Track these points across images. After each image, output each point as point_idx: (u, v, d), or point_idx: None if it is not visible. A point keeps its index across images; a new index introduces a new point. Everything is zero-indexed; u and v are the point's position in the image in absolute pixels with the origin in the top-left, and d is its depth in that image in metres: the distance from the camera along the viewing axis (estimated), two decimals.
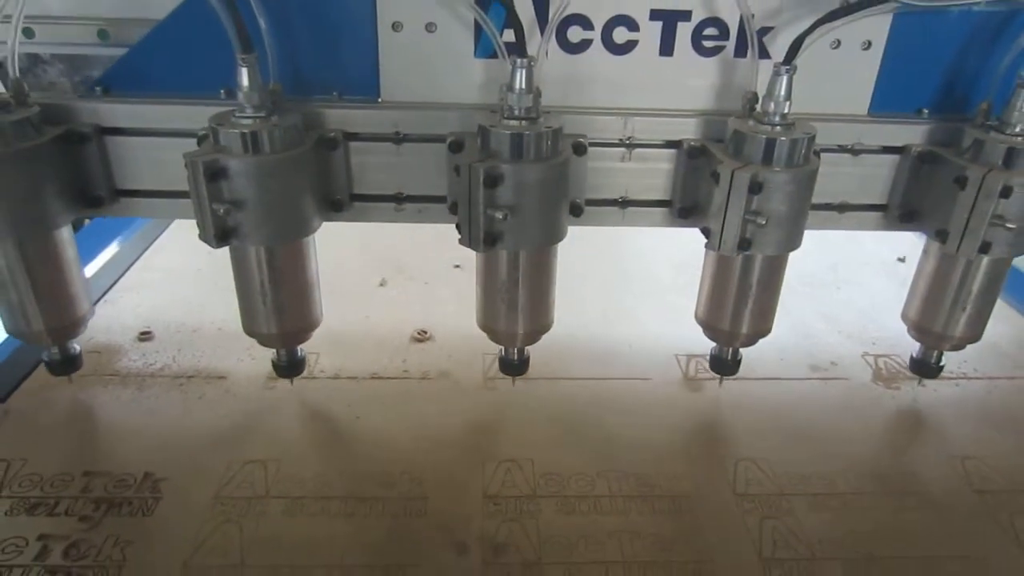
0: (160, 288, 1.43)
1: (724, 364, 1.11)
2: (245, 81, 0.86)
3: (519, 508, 0.96)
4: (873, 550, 0.92)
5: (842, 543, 0.93)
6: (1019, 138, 0.90)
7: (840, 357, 1.28)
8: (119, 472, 0.98)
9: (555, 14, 0.92)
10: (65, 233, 0.96)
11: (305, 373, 1.13)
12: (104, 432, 1.08)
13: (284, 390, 1.15)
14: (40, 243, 0.94)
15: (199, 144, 0.91)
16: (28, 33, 0.93)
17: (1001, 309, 1.42)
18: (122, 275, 1.47)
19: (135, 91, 0.95)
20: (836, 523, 0.95)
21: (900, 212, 1.02)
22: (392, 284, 1.48)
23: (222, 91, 0.94)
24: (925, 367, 1.14)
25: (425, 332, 1.30)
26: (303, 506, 0.95)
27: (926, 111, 1.00)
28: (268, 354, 1.09)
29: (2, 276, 0.94)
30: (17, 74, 0.88)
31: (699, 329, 1.09)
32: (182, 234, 1.61)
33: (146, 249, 1.57)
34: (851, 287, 1.50)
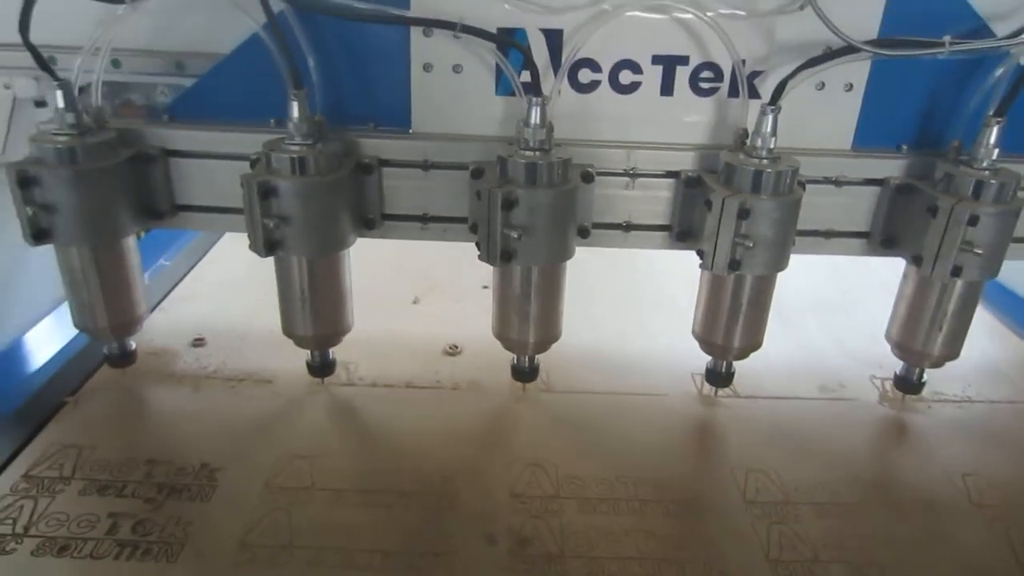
0: (210, 298, 1.53)
1: (719, 376, 1.19)
2: (295, 113, 0.98)
3: (543, 507, 1.02)
4: (874, 554, 0.97)
5: (845, 547, 0.98)
6: (986, 172, 0.99)
7: (848, 378, 1.33)
8: (179, 461, 1.07)
9: (567, 58, 1.02)
10: (131, 241, 1.08)
11: (345, 379, 1.22)
12: (163, 425, 1.17)
13: (327, 394, 1.24)
14: (109, 249, 1.05)
15: (252, 166, 1.02)
16: (115, 64, 1.04)
17: (1003, 334, 1.49)
18: (175, 285, 1.58)
19: (197, 118, 1.07)
20: (840, 529, 1.01)
21: (882, 239, 1.10)
22: (425, 301, 1.56)
23: (272, 120, 1.06)
24: (908, 384, 1.21)
25: (456, 346, 1.38)
26: (345, 497, 1.02)
27: (904, 147, 1.08)
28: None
29: (76, 277, 1.05)
30: (100, 102, 1.01)
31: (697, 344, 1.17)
32: (229, 249, 1.72)
33: (197, 263, 1.68)
34: (860, 312, 1.55)
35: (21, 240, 1.19)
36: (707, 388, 1.27)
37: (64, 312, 1.35)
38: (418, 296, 1.57)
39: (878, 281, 1.64)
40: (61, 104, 0.96)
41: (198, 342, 1.36)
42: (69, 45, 1.00)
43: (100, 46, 0.99)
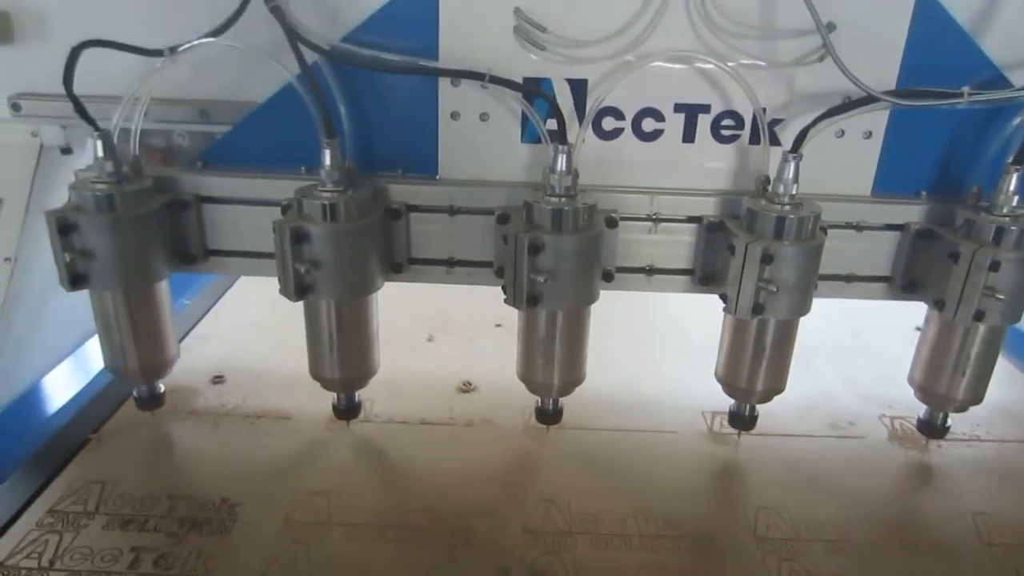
0: (230, 337, 1.56)
1: (742, 419, 1.19)
2: (327, 161, 1.00)
3: (556, 542, 1.03)
4: None
5: None
6: (1006, 218, 1.00)
7: (858, 417, 1.34)
8: (199, 496, 1.09)
9: (592, 107, 1.05)
10: (163, 285, 1.10)
11: (362, 417, 1.23)
12: (185, 461, 1.19)
13: (343, 431, 1.25)
14: (143, 294, 1.07)
15: (283, 212, 1.04)
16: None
17: (1013, 374, 1.50)
18: (196, 324, 1.61)
19: (230, 165, 1.09)
20: (850, 567, 1.01)
21: (903, 283, 1.11)
22: (439, 340, 1.59)
23: (303, 167, 1.08)
24: (932, 428, 1.21)
25: (470, 384, 1.39)
26: (362, 532, 1.04)
27: (924, 193, 1.10)
28: (328, 398, 1.19)
29: (108, 320, 1.07)
30: (138, 151, 1.04)
31: (720, 387, 1.18)
32: (249, 289, 1.76)
33: (217, 302, 1.71)
34: (871, 353, 1.56)
35: (44, 283, 1.23)
36: (717, 426, 1.28)
37: (85, 352, 1.40)
38: (433, 334, 1.60)
39: (888, 321, 1.66)
40: (100, 153, 0.99)
41: (218, 380, 1.38)
42: (100, 95, 1.02)
43: (139, 96, 1.02)
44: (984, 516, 1.11)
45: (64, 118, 1.07)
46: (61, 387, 1.34)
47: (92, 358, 1.38)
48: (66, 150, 1.14)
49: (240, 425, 1.26)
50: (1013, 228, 0.99)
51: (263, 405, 1.32)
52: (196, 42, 1.01)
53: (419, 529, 1.05)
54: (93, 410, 1.27)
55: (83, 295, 1.06)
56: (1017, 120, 1.04)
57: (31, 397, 1.29)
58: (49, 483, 1.10)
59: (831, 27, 1.00)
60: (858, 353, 1.58)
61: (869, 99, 1.00)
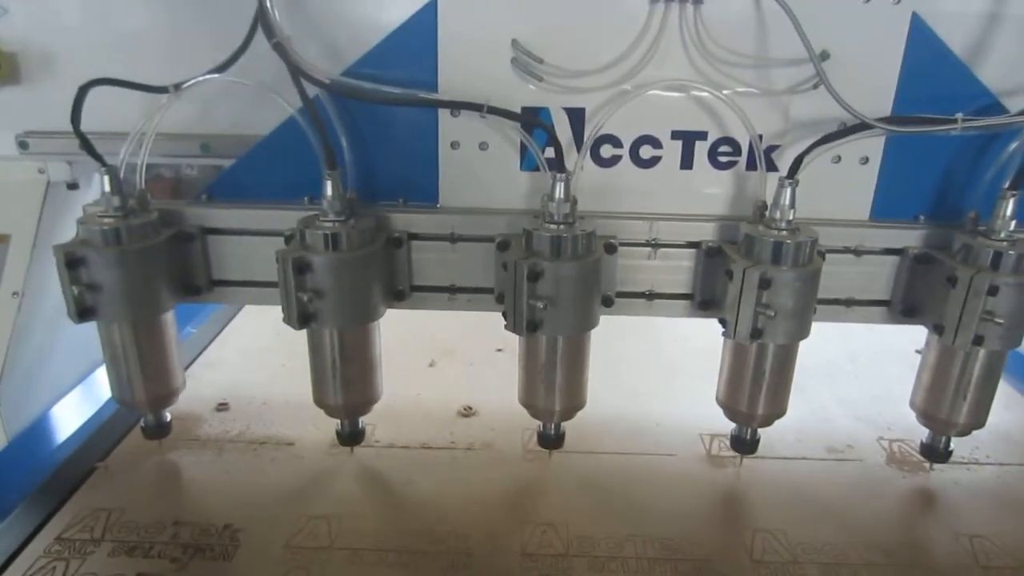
0: (234, 365, 1.58)
1: (744, 443, 1.19)
2: (329, 192, 1.02)
3: (554, 565, 1.04)
4: None
5: None
6: (1004, 243, 1.01)
7: (856, 440, 1.34)
8: (203, 523, 1.10)
9: (590, 135, 1.06)
10: (170, 316, 1.12)
11: (364, 442, 1.24)
12: (189, 488, 1.20)
13: (345, 456, 1.26)
14: (149, 324, 1.09)
15: (286, 243, 1.06)
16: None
17: (1012, 397, 1.49)
18: (200, 353, 1.63)
19: (233, 198, 1.11)
20: None
21: (902, 307, 1.12)
22: (440, 365, 1.60)
23: (305, 198, 1.10)
24: (935, 452, 1.20)
25: (470, 408, 1.41)
26: (362, 556, 1.05)
27: (922, 217, 1.10)
28: (331, 424, 1.21)
29: (115, 352, 1.09)
30: (143, 185, 1.06)
31: (721, 410, 1.18)
32: (252, 318, 1.78)
33: (221, 331, 1.74)
34: (869, 375, 1.57)
35: (51, 316, 1.26)
36: (716, 448, 1.29)
37: (91, 383, 1.42)
38: (434, 359, 1.61)
39: (886, 344, 1.66)
40: (107, 188, 1.01)
41: (222, 407, 1.40)
42: (105, 131, 1.04)
43: (145, 132, 1.04)
44: (981, 539, 1.11)
45: (70, 154, 1.09)
46: (68, 417, 1.36)
47: (98, 389, 1.41)
48: (72, 185, 1.17)
49: (244, 452, 1.28)
50: (1011, 253, 0.99)
51: (266, 432, 1.33)
52: (200, 78, 1.04)
53: (419, 553, 1.06)
54: (99, 439, 1.29)
55: (89, 328, 1.08)
56: (1013, 146, 1.05)
57: (39, 427, 1.31)
58: (57, 511, 1.12)
59: (825, 56, 1.01)
60: (856, 375, 1.58)
61: (863, 126, 1.01)
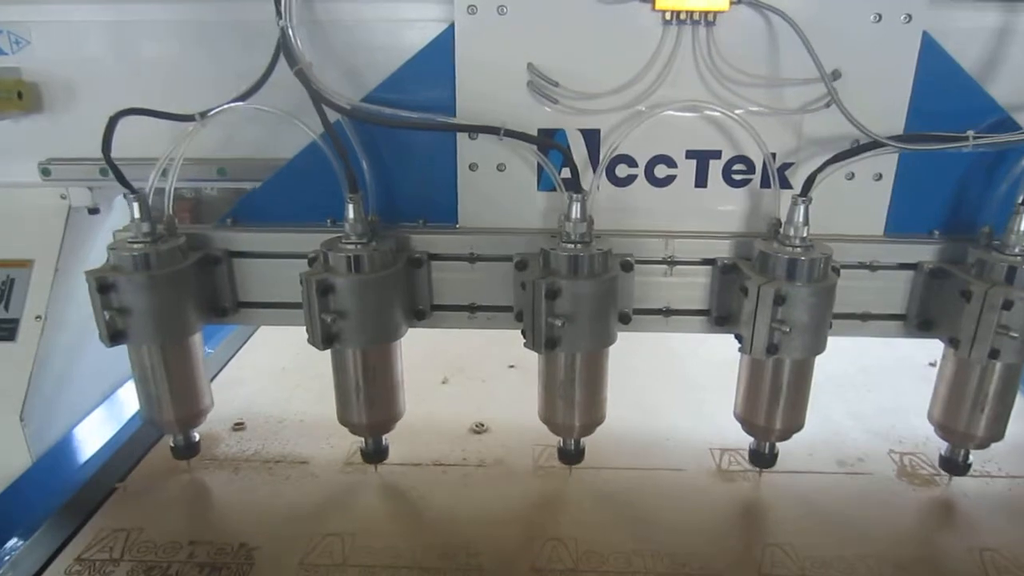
0: (250, 385, 1.60)
1: (762, 458, 1.20)
2: (351, 215, 1.04)
3: None
4: None
5: None
6: (1018, 257, 1.01)
7: (867, 453, 1.34)
8: (219, 542, 1.11)
9: (605, 155, 1.08)
10: (197, 338, 1.14)
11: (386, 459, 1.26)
12: (206, 507, 1.22)
13: (359, 474, 1.28)
14: (178, 347, 1.11)
15: (310, 264, 1.08)
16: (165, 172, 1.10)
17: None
18: (217, 373, 1.65)
19: (258, 221, 1.14)
20: None
21: (918, 321, 1.13)
22: (453, 382, 1.61)
23: (328, 220, 1.13)
24: (953, 465, 1.21)
25: (482, 425, 1.42)
26: (375, 573, 1.06)
27: (937, 232, 1.11)
28: (345, 442, 1.23)
29: (145, 373, 1.11)
30: (171, 211, 1.09)
31: (731, 424, 1.19)
32: (267, 339, 1.80)
33: (238, 351, 1.76)
34: (881, 389, 1.56)
35: (74, 340, 1.29)
36: (726, 463, 1.30)
37: (111, 405, 1.45)
38: (447, 377, 1.63)
39: (898, 357, 1.66)
40: (137, 215, 1.04)
41: (238, 426, 1.42)
42: (129, 158, 1.06)
43: (173, 158, 1.07)
44: (992, 552, 1.10)
45: (91, 180, 1.13)
46: (89, 439, 1.39)
47: (118, 410, 1.44)
48: (93, 210, 1.20)
49: (259, 470, 1.29)
50: None
51: (281, 450, 1.35)
52: (226, 106, 1.07)
53: (431, 569, 1.07)
54: (119, 461, 1.31)
55: (110, 352, 1.10)
56: None
57: (60, 449, 1.34)
58: (78, 532, 1.14)
59: (836, 75, 1.02)
60: (868, 389, 1.57)
61: (874, 144, 1.03)
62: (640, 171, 1.11)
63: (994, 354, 1.03)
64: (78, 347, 1.32)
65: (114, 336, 1.04)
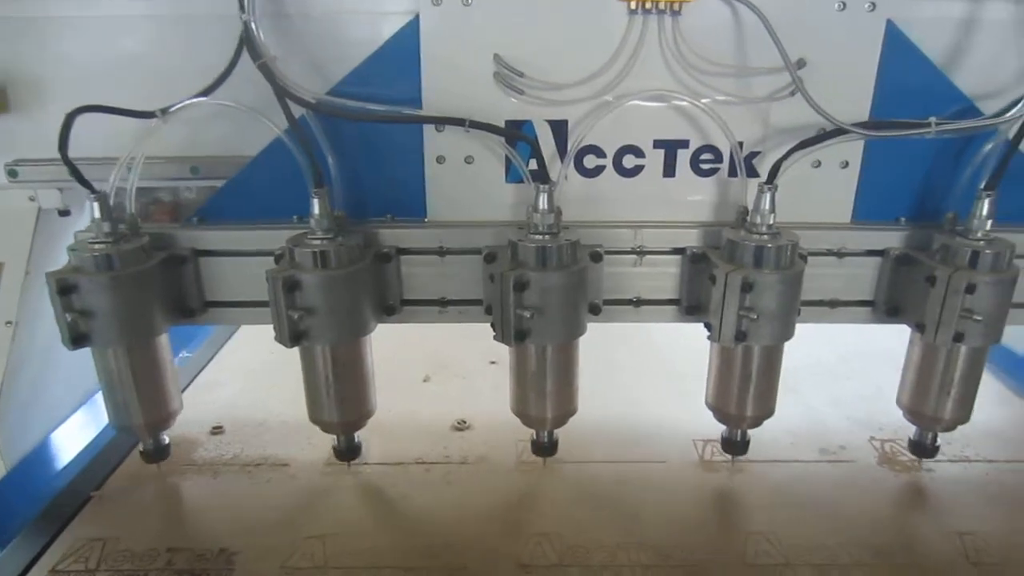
0: (229, 388, 1.59)
1: (734, 445, 1.21)
2: (316, 210, 1.03)
3: None
4: None
5: None
6: (981, 242, 1.03)
7: (848, 441, 1.36)
8: (198, 548, 1.10)
9: (573, 146, 1.08)
10: (164, 340, 1.12)
11: (358, 459, 1.25)
12: (184, 513, 1.21)
13: (340, 475, 1.27)
14: (144, 349, 1.10)
15: (276, 262, 1.07)
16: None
17: (1002, 394, 1.51)
18: (195, 377, 1.64)
19: (224, 220, 1.12)
20: None
21: (886, 307, 1.14)
22: (435, 379, 1.61)
23: (294, 217, 1.11)
24: (922, 448, 1.22)
25: (464, 422, 1.42)
26: (357, 575, 1.06)
27: (903, 219, 1.12)
28: (325, 443, 1.22)
29: (111, 377, 1.09)
30: (134, 210, 1.07)
31: (713, 416, 1.20)
32: (246, 341, 1.79)
33: (215, 354, 1.75)
34: (861, 377, 1.58)
35: (46, 345, 1.26)
36: (708, 454, 1.30)
37: (86, 412, 1.43)
38: (428, 374, 1.62)
39: (875, 347, 1.67)
40: (97, 214, 1.02)
41: (217, 430, 1.41)
42: (93, 157, 1.05)
43: (134, 156, 1.05)
44: (971, 536, 1.12)
45: (61, 181, 1.10)
46: (63, 447, 1.37)
47: (93, 418, 1.41)
48: (64, 212, 1.17)
49: (238, 474, 1.28)
50: (987, 252, 1.01)
51: (261, 453, 1.34)
52: (187, 102, 1.05)
53: (415, 569, 1.07)
54: (95, 468, 1.30)
55: (85, 356, 1.08)
56: (988, 147, 1.06)
57: (34, 458, 1.32)
58: (52, 542, 1.12)
59: (801, 63, 1.03)
60: (848, 377, 1.59)
61: (838, 131, 1.03)
62: (608, 161, 1.11)
63: (959, 337, 1.04)
64: (52, 352, 1.29)
65: (77, 339, 1.02)
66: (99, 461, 1.32)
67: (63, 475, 1.29)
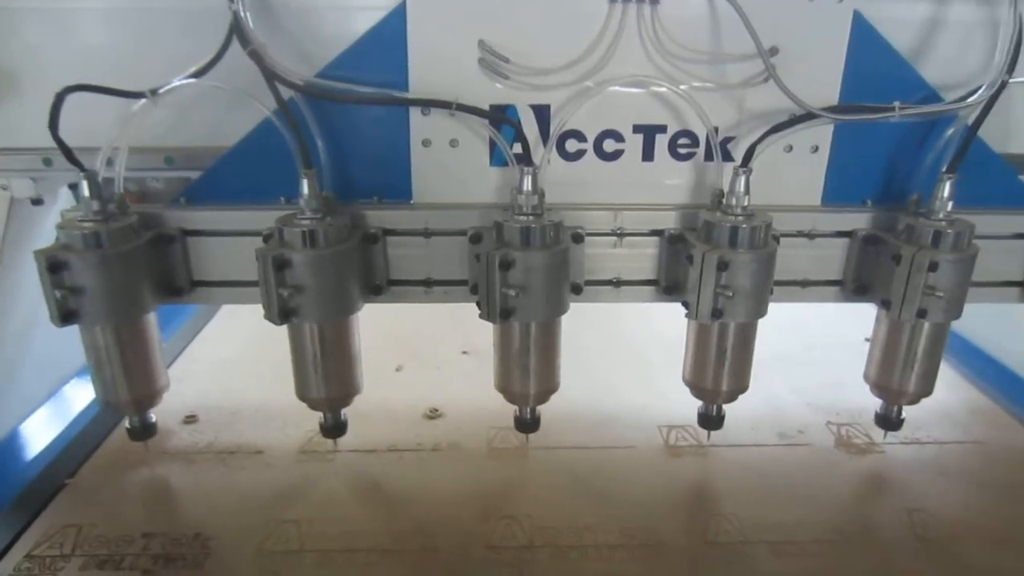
0: (202, 377, 1.59)
1: (710, 420, 1.25)
2: (305, 190, 1.05)
3: (517, 557, 1.09)
4: None
5: None
6: (943, 223, 1.08)
7: (806, 426, 1.42)
8: (174, 532, 1.11)
9: (555, 130, 1.11)
10: (151, 318, 1.13)
11: (331, 446, 1.27)
12: (159, 500, 1.22)
13: (314, 461, 1.29)
14: (132, 327, 1.10)
15: (265, 241, 1.09)
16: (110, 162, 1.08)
17: (953, 379, 1.58)
18: (169, 366, 1.62)
19: (212, 201, 1.13)
20: (792, 564, 1.09)
21: (854, 286, 1.18)
22: (407, 369, 1.63)
23: (282, 198, 1.13)
24: (888, 421, 1.28)
25: (436, 410, 1.44)
26: (331, 558, 1.08)
27: (869, 201, 1.17)
28: (299, 431, 1.24)
29: (99, 355, 1.09)
30: (122, 190, 1.08)
31: (680, 401, 1.24)
32: (220, 330, 1.79)
33: (188, 344, 1.75)
34: (821, 364, 1.64)
35: (20, 332, 1.27)
36: (673, 439, 1.36)
37: (61, 398, 1.44)
38: (401, 364, 1.64)
39: (837, 335, 1.73)
40: (87, 193, 1.02)
41: (190, 419, 1.42)
42: (79, 147, 1.05)
43: (123, 137, 1.06)
44: (920, 512, 1.18)
45: (34, 171, 1.10)
46: (37, 434, 1.37)
47: (67, 405, 1.42)
48: (37, 201, 1.17)
49: (213, 462, 1.29)
50: (949, 231, 1.06)
51: (236, 441, 1.35)
52: (179, 82, 1.06)
53: (387, 552, 1.09)
54: (69, 455, 1.30)
55: (58, 343, 1.08)
56: (950, 132, 1.12)
57: (8, 445, 1.32)
58: (26, 529, 1.13)
59: (774, 51, 1.07)
60: (810, 364, 1.64)
61: (808, 115, 1.08)
62: (589, 146, 1.14)
63: (922, 314, 1.09)
64: (25, 340, 1.29)
65: (65, 316, 1.02)
66: (73, 448, 1.32)
67: (37, 462, 1.29)
